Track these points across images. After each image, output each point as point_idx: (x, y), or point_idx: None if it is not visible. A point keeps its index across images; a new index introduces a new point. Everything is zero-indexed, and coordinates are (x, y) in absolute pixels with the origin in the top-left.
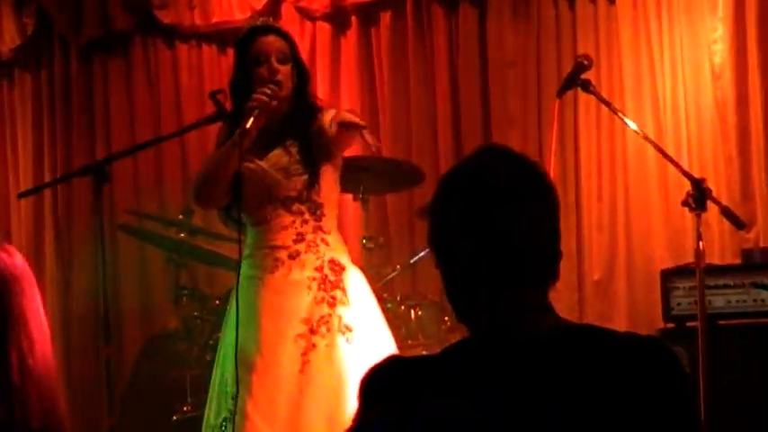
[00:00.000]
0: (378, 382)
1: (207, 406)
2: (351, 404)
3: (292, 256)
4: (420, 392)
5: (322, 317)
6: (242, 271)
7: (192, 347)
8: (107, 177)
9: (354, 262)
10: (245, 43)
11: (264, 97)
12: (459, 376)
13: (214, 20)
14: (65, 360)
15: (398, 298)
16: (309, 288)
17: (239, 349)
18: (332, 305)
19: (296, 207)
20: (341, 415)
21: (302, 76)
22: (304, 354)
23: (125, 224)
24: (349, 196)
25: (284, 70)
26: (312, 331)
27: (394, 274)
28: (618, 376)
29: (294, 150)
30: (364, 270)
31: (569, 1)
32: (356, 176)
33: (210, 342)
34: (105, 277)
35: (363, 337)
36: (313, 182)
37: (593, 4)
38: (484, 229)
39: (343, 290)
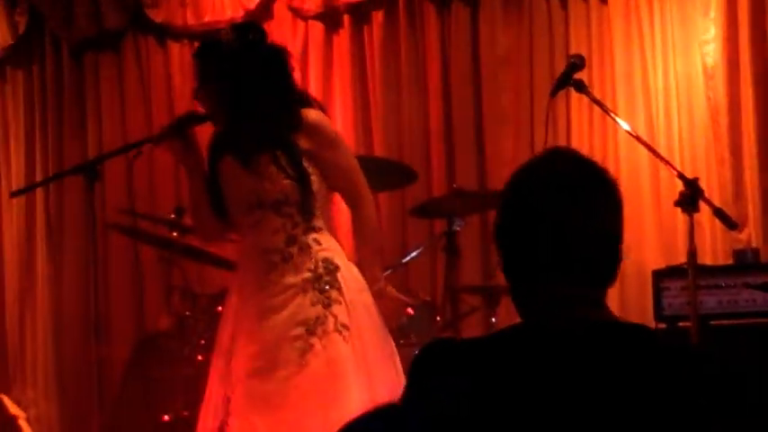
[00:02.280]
0: (426, 362)
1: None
2: (348, 404)
3: (286, 259)
4: (464, 375)
5: (318, 317)
6: (237, 273)
7: (184, 347)
8: (98, 176)
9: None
10: None
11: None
12: (504, 362)
13: (206, 18)
14: (56, 358)
15: None
16: (304, 290)
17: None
18: (327, 305)
19: (285, 210)
20: (337, 416)
21: (228, 93)
22: (302, 355)
23: (116, 223)
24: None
25: (203, 95)
26: (310, 333)
27: (386, 273)
28: (654, 378)
29: (271, 160)
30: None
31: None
32: None
33: (202, 342)
34: (97, 276)
35: (360, 335)
36: (303, 189)
37: (585, 3)
38: (548, 224)
39: (339, 289)
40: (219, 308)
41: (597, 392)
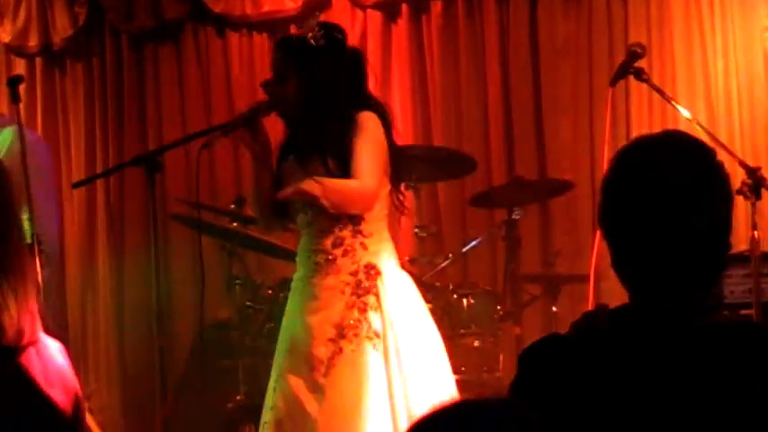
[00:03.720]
0: (535, 355)
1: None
2: (368, 412)
3: (330, 261)
4: (576, 368)
5: (352, 322)
6: (295, 273)
7: (245, 336)
8: (159, 167)
9: (407, 251)
10: None
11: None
12: (616, 358)
13: (265, 8)
14: (118, 349)
15: (450, 287)
16: (343, 293)
17: (281, 349)
18: (362, 311)
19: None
20: (356, 422)
21: (308, 92)
22: (331, 357)
23: (177, 214)
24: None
25: (279, 90)
26: (341, 336)
27: (446, 263)
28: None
29: (321, 163)
30: (417, 259)
31: None
32: (408, 165)
33: (263, 331)
34: (158, 266)
35: (396, 342)
36: None
37: None
38: (655, 217)
39: (377, 295)
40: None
41: (709, 390)
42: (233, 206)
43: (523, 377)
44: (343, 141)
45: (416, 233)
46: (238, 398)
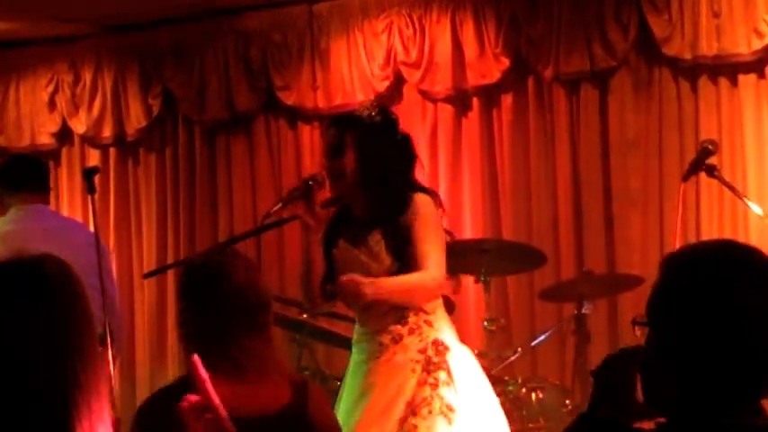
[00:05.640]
0: None
1: None
2: None
3: (395, 340)
4: None
5: (424, 398)
6: (352, 356)
7: None
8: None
9: (476, 344)
10: None
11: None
12: None
13: (337, 102)
14: None
15: (519, 381)
16: (413, 371)
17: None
18: (434, 386)
19: None
20: None
21: (365, 163)
22: None
23: None
24: (470, 278)
25: (336, 163)
26: (413, 413)
27: (515, 356)
28: None
29: (381, 237)
30: (486, 353)
31: (691, 82)
32: (477, 259)
33: None
34: None
35: (468, 418)
36: (400, 268)
37: (715, 86)
38: (703, 323)
39: (448, 371)
40: None
41: None
42: None
43: None
44: (398, 219)
45: (485, 326)
46: None
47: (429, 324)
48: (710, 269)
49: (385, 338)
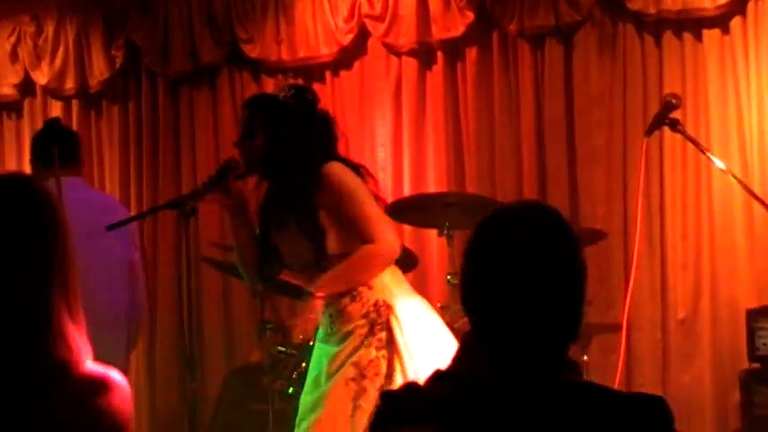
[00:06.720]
0: (392, 411)
1: None
2: None
3: (341, 312)
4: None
5: (371, 361)
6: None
7: (276, 381)
8: (193, 212)
9: (439, 298)
10: None
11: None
12: (468, 415)
13: (300, 54)
14: (150, 394)
15: None
16: (360, 335)
17: (303, 401)
18: (379, 348)
19: (325, 264)
20: None
21: (269, 146)
22: (355, 398)
23: (209, 257)
24: (434, 232)
25: (248, 145)
26: (362, 376)
27: None
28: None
29: (295, 221)
30: (449, 306)
31: (655, 37)
32: (441, 212)
33: (294, 376)
34: (190, 310)
35: (417, 373)
36: (320, 248)
37: (679, 41)
38: (499, 291)
39: (391, 330)
40: (311, 342)
41: None
42: None
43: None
44: (313, 200)
45: (449, 280)
46: None
47: (369, 287)
48: (513, 233)
49: (331, 310)
